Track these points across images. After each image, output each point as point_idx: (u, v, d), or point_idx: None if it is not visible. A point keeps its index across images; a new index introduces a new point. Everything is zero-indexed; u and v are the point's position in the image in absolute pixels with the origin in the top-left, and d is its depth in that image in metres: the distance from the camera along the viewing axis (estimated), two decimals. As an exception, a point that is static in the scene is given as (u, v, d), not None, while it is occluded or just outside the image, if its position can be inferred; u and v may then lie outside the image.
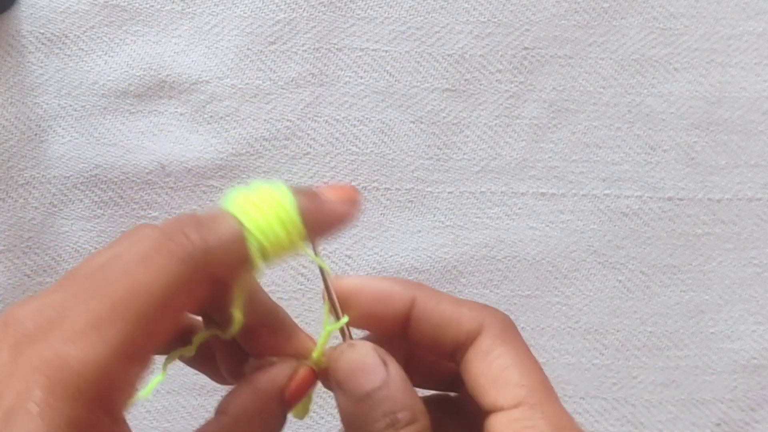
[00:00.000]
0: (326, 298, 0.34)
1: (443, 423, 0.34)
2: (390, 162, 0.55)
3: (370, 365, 0.33)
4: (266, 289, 0.37)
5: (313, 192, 0.33)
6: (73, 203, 0.53)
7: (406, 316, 0.34)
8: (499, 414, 0.31)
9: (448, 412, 0.35)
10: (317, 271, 0.54)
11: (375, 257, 0.55)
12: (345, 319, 0.34)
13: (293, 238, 0.32)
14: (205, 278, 0.31)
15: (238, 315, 0.33)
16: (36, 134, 0.53)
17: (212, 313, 0.35)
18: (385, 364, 0.33)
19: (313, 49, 0.54)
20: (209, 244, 0.30)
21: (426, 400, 0.34)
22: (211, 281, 0.31)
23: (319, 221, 0.33)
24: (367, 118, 0.55)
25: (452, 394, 0.36)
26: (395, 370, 0.33)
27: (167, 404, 0.55)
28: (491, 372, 0.31)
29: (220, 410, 0.33)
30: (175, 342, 0.36)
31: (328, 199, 0.33)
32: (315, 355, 0.35)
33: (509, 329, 0.32)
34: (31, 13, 0.53)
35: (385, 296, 0.34)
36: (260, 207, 0.32)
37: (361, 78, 0.55)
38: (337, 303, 0.34)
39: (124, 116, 0.54)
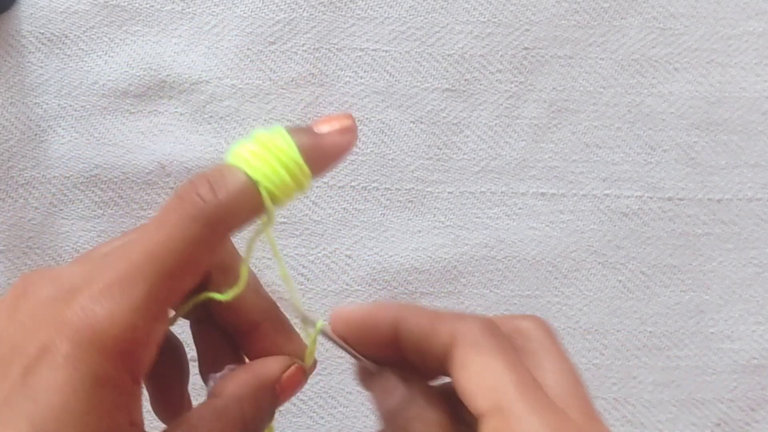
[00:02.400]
0: (296, 311, 0.36)
1: (459, 410, 0.34)
2: (390, 162, 0.55)
3: (392, 386, 0.34)
4: (266, 289, 0.37)
5: (311, 129, 0.34)
6: (73, 203, 0.53)
7: (394, 338, 0.34)
8: (482, 421, 0.31)
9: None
10: (317, 271, 0.54)
11: (375, 257, 0.55)
12: (320, 324, 0.35)
13: (299, 178, 0.33)
14: (220, 233, 0.32)
15: (245, 271, 0.34)
16: (36, 134, 0.53)
17: (214, 274, 0.36)
18: (408, 383, 0.34)
19: (313, 49, 0.54)
20: (221, 199, 0.32)
21: (444, 389, 0.35)
22: (226, 235, 0.32)
23: (321, 156, 0.34)
24: (367, 118, 0.55)
25: None
26: (417, 389, 0.34)
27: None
28: (467, 381, 0.32)
29: (214, 393, 0.34)
30: None
31: (326, 132, 0.34)
32: (307, 359, 0.36)
33: (484, 333, 0.32)
34: (31, 13, 0.53)
35: (370, 324, 0.35)
36: (263, 155, 0.33)
37: (361, 78, 0.55)
38: (304, 312, 0.36)
39: (124, 116, 0.54)
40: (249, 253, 0.35)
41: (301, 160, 0.33)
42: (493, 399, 0.30)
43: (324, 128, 0.34)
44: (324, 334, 0.36)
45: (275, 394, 0.35)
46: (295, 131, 0.34)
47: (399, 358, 0.35)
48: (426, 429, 0.33)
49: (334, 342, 0.36)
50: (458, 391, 0.32)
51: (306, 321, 0.36)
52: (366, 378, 0.36)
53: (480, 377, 0.31)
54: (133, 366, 0.30)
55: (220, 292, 0.35)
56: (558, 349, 0.34)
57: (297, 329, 0.37)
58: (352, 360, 0.36)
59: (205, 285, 0.35)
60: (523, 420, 0.30)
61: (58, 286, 0.31)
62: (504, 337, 0.33)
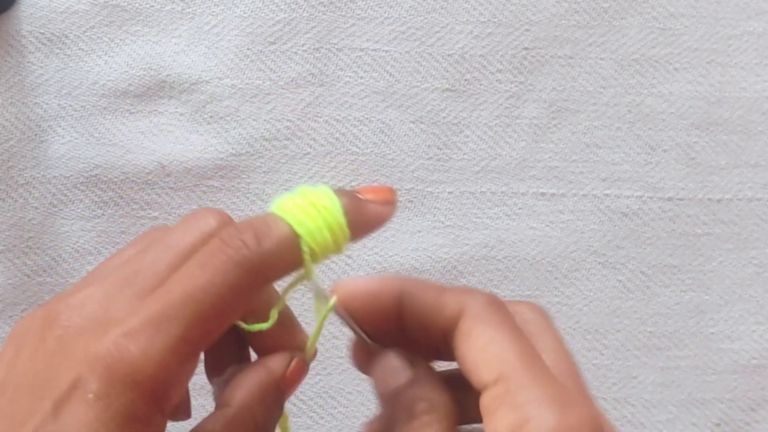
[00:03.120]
0: (313, 288, 0.36)
1: (463, 399, 0.34)
2: (390, 162, 0.55)
3: (396, 367, 0.34)
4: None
5: (356, 195, 0.35)
6: (73, 203, 0.53)
7: (398, 311, 0.34)
8: (484, 392, 0.31)
9: (465, 388, 0.36)
10: (317, 271, 0.54)
11: (375, 257, 0.55)
12: (334, 299, 0.35)
13: (338, 239, 0.34)
14: (261, 281, 0.32)
15: (274, 315, 0.35)
16: (36, 134, 0.53)
17: None
18: (413, 364, 0.34)
19: (313, 49, 0.54)
20: (264, 248, 0.32)
21: (447, 375, 0.35)
22: (265, 284, 0.33)
23: (361, 222, 0.35)
24: (367, 118, 0.55)
25: None
26: (422, 370, 0.34)
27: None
28: (472, 353, 0.32)
29: (223, 403, 0.34)
30: None
31: (369, 200, 0.35)
32: (309, 344, 0.36)
33: (489, 307, 0.33)
34: (31, 13, 0.53)
35: (374, 295, 0.35)
36: (309, 211, 0.34)
37: (361, 78, 0.55)
38: (322, 287, 0.36)
39: (124, 116, 0.54)
40: (282, 301, 0.36)
41: (344, 223, 0.34)
42: (498, 370, 0.31)
43: (368, 196, 0.35)
44: (335, 311, 0.36)
45: (281, 390, 0.36)
46: (341, 193, 0.35)
47: (399, 336, 0.35)
48: (432, 410, 0.33)
49: (343, 319, 0.36)
50: (462, 363, 0.32)
51: (320, 296, 0.36)
52: (363, 359, 0.36)
53: (485, 348, 0.31)
54: (163, 403, 0.30)
55: (245, 319, 0.36)
56: (554, 333, 0.34)
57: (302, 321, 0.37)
58: (354, 339, 0.36)
59: None
60: (526, 389, 0.30)
61: (86, 317, 0.31)
62: (509, 312, 0.33)
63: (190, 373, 0.31)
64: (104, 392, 0.29)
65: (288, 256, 0.33)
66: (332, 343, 0.54)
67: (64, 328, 0.31)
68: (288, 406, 0.51)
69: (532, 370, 0.31)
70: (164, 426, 0.31)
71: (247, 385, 0.35)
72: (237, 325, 0.36)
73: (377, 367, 0.35)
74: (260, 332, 0.36)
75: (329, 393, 0.54)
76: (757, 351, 0.57)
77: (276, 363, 0.36)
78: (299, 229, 0.33)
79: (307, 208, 0.34)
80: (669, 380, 0.56)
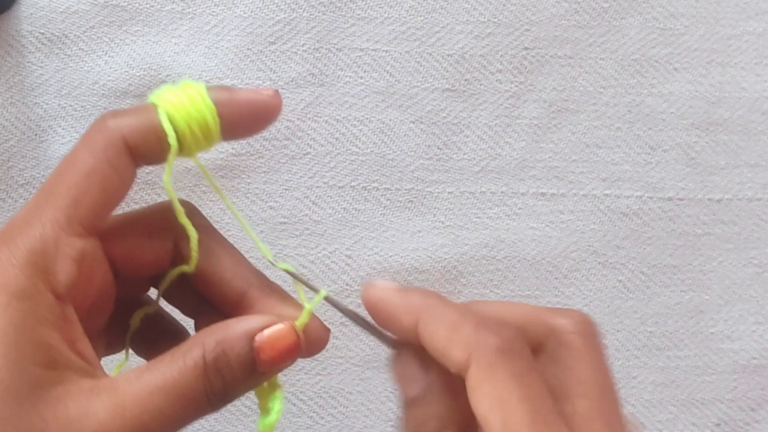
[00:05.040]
0: (298, 282, 0.36)
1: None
2: (390, 162, 0.55)
3: (412, 374, 0.34)
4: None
5: (228, 86, 0.36)
6: (73, 203, 0.53)
7: (414, 334, 0.34)
8: None
9: None
10: (317, 271, 0.54)
11: (375, 257, 0.55)
12: (323, 293, 0.35)
13: (204, 113, 0.35)
14: (119, 144, 0.34)
15: (185, 220, 0.36)
16: (36, 134, 0.53)
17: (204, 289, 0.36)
18: (426, 371, 0.34)
19: (313, 49, 0.54)
20: (119, 117, 0.34)
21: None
22: (137, 157, 0.34)
23: (232, 106, 0.35)
24: (367, 118, 0.55)
25: None
26: (435, 379, 0.33)
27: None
28: (479, 410, 0.31)
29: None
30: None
31: (244, 89, 0.36)
32: (301, 318, 0.35)
33: (496, 359, 0.31)
34: (31, 13, 0.53)
35: (393, 314, 0.34)
36: (174, 91, 0.36)
37: (361, 78, 0.55)
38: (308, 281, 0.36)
39: (124, 116, 0.54)
40: (168, 183, 0.37)
41: (206, 96, 0.35)
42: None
43: (243, 90, 0.36)
44: (329, 300, 0.35)
45: (252, 350, 0.33)
46: (213, 86, 0.36)
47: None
48: (442, 429, 0.32)
49: (340, 309, 0.35)
50: (473, 411, 0.31)
51: (302, 284, 0.36)
52: (392, 359, 0.35)
53: (493, 407, 0.30)
54: (48, 278, 0.31)
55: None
56: (592, 356, 0.33)
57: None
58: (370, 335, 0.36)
59: (178, 262, 0.36)
60: None
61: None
62: (523, 356, 0.31)
63: (75, 247, 0.32)
64: None
65: (145, 120, 0.34)
66: (332, 343, 0.54)
67: None
68: (288, 405, 0.51)
69: None
70: (67, 312, 0.32)
71: (210, 328, 0.33)
72: (181, 271, 0.36)
73: (395, 369, 0.35)
74: (242, 304, 0.35)
75: (329, 393, 0.54)
76: (757, 351, 0.57)
77: (254, 318, 0.34)
78: (157, 100, 0.35)
79: (173, 89, 0.36)
80: (669, 380, 0.56)
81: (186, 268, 0.36)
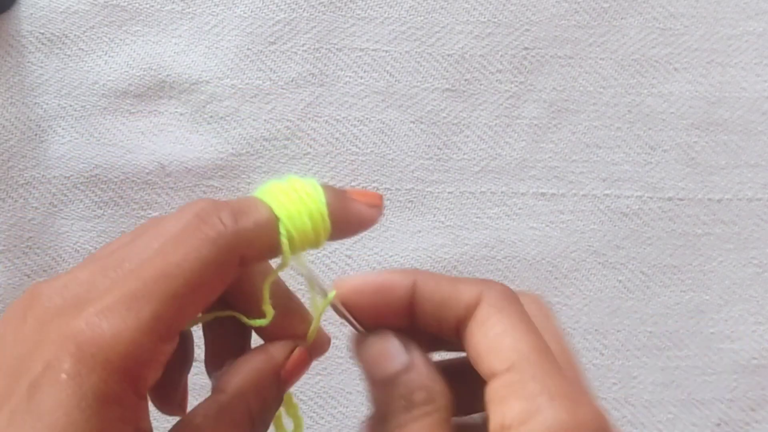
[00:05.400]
0: (309, 281, 0.36)
1: (457, 390, 0.34)
2: (390, 162, 0.55)
3: (393, 351, 0.34)
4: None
5: (343, 191, 0.35)
6: (73, 203, 0.53)
7: (410, 302, 0.34)
8: (493, 380, 0.31)
9: (460, 379, 0.35)
10: (317, 271, 0.54)
11: (375, 257, 0.55)
12: (332, 294, 0.35)
13: (318, 230, 0.34)
14: (236, 261, 0.32)
15: (269, 311, 0.35)
16: (36, 134, 0.53)
17: (233, 301, 0.36)
18: (408, 349, 0.34)
19: (313, 49, 0.54)
20: (240, 226, 0.32)
21: (440, 366, 0.34)
22: (241, 265, 0.32)
23: (344, 220, 0.34)
24: (367, 118, 0.55)
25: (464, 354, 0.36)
26: (418, 356, 0.34)
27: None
28: (486, 340, 0.32)
29: (218, 389, 0.34)
30: None
31: (355, 199, 0.35)
32: (310, 333, 0.36)
33: (507, 298, 0.33)
34: (31, 13, 0.53)
35: (386, 288, 0.34)
36: (291, 196, 0.33)
37: (361, 78, 0.55)
38: (319, 281, 0.35)
39: (124, 116, 0.54)
40: (266, 293, 0.35)
41: (326, 213, 0.34)
42: (511, 359, 0.31)
43: (355, 196, 0.35)
44: (334, 306, 0.35)
45: (280, 381, 0.35)
46: (327, 187, 0.34)
47: (405, 330, 0.34)
48: (430, 400, 0.32)
49: (342, 315, 0.35)
50: (474, 351, 0.32)
51: (314, 287, 0.35)
52: (360, 345, 0.35)
53: (500, 337, 0.31)
54: (137, 384, 0.30)
55: (247, 313, 0.35)
56: (556, 330, 0.34)
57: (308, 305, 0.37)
58: (354, 334, 0.36)
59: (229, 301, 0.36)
60: (538, 381, 0.30)
61: (66, 298, 0.31)
62: (522, 304, 0.33)
63: (167, 353, 0.31)
64: (76, 371, 0.28)
65: (264, 236, 0.32)
66: (332, 343, 0.54)
67: (44, 309, 0.31)
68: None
69: (546, 363, 0.31)
70: (144, 410, 0.31)
71: (244, 370, 0.34)
72: (238, 319, 0.36)
73: (371, 349, 0.34)
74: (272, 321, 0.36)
75: (329, 393, 0.54)
76: (757, 351, 0.57)
77: (277, 350, 0.35)
78: (279, 211, 0.33)
79: (290, 193, 0.33)
80: (669, 380, 0.56)
81: (246, 321, 0.36)
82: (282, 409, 0.37)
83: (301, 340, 0.36)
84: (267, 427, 0.35)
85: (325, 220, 0.34)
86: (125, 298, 0.30)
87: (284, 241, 0.33)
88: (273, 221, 0.33)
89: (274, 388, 0.35)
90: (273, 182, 0.34)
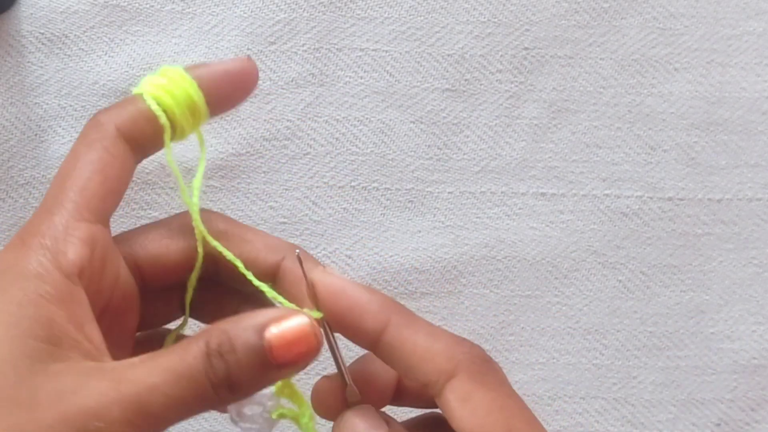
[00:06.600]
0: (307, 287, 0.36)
1: None
2: (390, 162, 0.55)
3: (372, 425, 0.33)
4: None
5: (204, 62, 0.39)
6: (73, 203, 0.53)
7: (377, 336, 0.33)
8: None
9: None
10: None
11: (375, 257, 0.55)
12: (318, 315, 0.35)
13: (188, 90, 0.37)
14: (126, 147, 0.36)
15: (200, 232, 0.37)
16: (36, 134, 0.53)
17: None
18: (387, 423, 0.33)
19: (313, 49, 0.54)
20: (114, 113, 0.37)
21: (418, 421, 0.34)
22: (136, 152, 0.37)
23: (214, 79, 0.38)
24: (367, 118, 0.55)
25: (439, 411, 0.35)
26: (398, 427, 0.34)
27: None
28: (473, 420, 0.31)
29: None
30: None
31: (218, 62, 0.39)
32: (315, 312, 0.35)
33: (485, 368, 0.32)
34: (31, 13, 0.53)
35: (359, 310, 0.34)
36: (155, 78, 0.38)
37: (361, 78, 0.55)
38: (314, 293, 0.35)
39: (124, 116, 0.54)
40: (192, 282, 0.38)
41: (185, 74, 0.38)
42: None
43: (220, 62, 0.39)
44: (323, 327, 0.35)
45: (262, 339, 0.32)
46: (190, 65, 0.39)
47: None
48: None
49: (327, 340, 0.35)
50: (460, 424, 0.31)
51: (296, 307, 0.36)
52: (332, 398, 0.35)
53: (492, 413, 0.30)
54: (57, 257, 0.32)
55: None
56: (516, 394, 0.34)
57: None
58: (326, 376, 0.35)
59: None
60: None
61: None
62: (500, 369, 0.32)
63: (84, 231, 0.34)
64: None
65: (137, 113, 0.37)
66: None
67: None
68: (289, 405, 0.51)
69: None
70: (68, 287, 0.32)
71: (220, 324, 0.33)
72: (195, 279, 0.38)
73: (344, 426, 0.33)
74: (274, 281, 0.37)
75: (329, 393, 0.54)
76: (757, 351, 0.57)
77: (262, 313, 0.33)
78: (141, 89, 0.37)
79: (154, 75, 0.38)
80: (669, 380, 0.56)
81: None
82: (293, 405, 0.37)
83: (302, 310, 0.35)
84: (237, 388, 0.32)
85: (190, 80, 0.37)
86: (45, 199, 0.35)
87: (149, 99, 0.37)
88: (137, 97, 0.37)
89: (249, 339, 0.32)
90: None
